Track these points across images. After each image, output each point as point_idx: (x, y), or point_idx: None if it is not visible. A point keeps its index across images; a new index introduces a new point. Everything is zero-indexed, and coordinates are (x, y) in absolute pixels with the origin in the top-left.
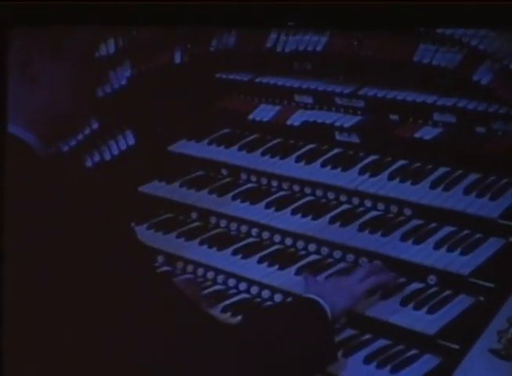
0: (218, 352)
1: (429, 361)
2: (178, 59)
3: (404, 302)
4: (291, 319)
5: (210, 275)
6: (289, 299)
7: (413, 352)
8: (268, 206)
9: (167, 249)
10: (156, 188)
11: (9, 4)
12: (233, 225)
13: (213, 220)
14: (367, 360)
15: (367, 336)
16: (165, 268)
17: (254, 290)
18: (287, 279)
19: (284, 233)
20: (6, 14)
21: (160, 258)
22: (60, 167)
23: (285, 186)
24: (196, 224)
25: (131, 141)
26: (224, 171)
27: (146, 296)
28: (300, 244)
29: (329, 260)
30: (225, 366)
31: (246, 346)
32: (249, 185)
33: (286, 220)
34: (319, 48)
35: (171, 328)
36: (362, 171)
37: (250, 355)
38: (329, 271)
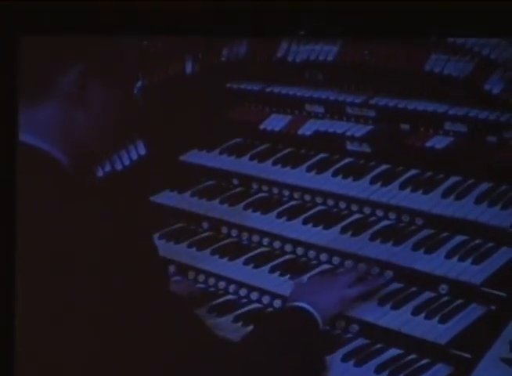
0: (215, 366)
1: (441, 370)
2: (189, 69)
3: (416, 312)
4: (285, 331)
5: (221, 285)
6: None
7: (425, 361)
8: (279, 216)
9: (178, 259)
10: (167, 198)
11: (20, 11)
12: (245, 235)
13: (224, 230)
14: (379, 370)
15: (379, 345)
16: (176, 278)
17: (266, 299)
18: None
19: (295, 243)
20: (18, 22)
21: (172, 268)
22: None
23: (296, 195)
24: (207, 234)
25: (143, 151)
26: (235, 181)
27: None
28: (311, 253)
29: (341, 270)
30: None
31: (245, 360)
32: (260, 194)
33: (298, 230)
34: (330, 58)
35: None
36: (373, 181)
37: (249, 367)
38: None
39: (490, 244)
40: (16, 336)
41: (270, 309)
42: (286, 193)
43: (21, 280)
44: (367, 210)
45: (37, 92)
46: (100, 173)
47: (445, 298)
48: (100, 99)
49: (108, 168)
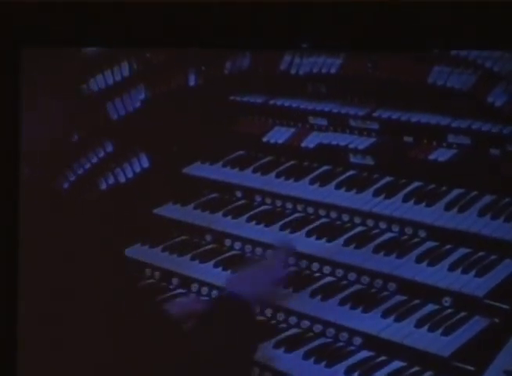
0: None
1: None
2: (192, 81)
3: (419, 324)
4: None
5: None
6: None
7: (428, 373)
8: (282, 228)
9: (181, 271)
10: (170, 210)
11: (22, 24)
12: (248, 248)
13: (228, 242)
14: None
15: (382, 358)
16: (180, 290)
17: (268, 312)
18: (302, 301)
19: (299, 255)
20: (19, 34)
21: (175, 281)
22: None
23: (299, 208)
24: (210, 246)
25: (146, 164)
26: (238, 194)
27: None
28: (314, 266)
29: (344, 282)
30: None
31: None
32: (263, 207)
33: (301, 242)
34: (333, 71)
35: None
36: (376, 193)
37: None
38: (344, 293)
39: (493, 257)
40: (18, 337)
41: (273, 322)
42: (290, 205)
43: (23, 281)
44: (370, 222)
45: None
46: (103, 186)
47: (449, 311)
48: (45, 108)
49: (111, 180)
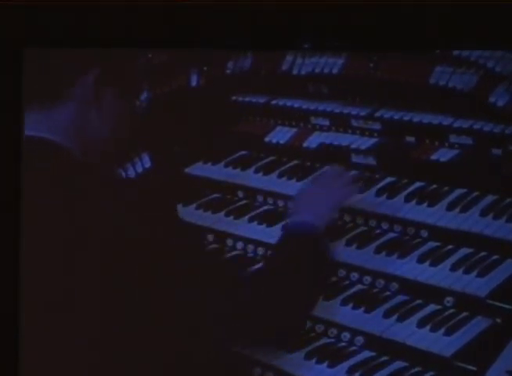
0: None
1: None
2: (194, 82)
3: (421, 324)
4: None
5: None
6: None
7: (430, 373)
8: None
9: None
10: None
11: (24, 23)
12: (250, 248)
13: (229, 242)
14: None
15: (384, 358)
16: None
17: None
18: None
19: None
20: (22, 33)
21: None
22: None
23: None
24: (212, 246)
25: (148, 164)
26: (240, 194)
27: None
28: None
29: (346, 282)
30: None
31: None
32: (265, 207)
33: None
34: (335, 71)
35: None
36: (378, 193)
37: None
38: (346, 293)
39: (495, 257)
40: (20, 334)
41: None
42: (292, 205)
43: (27, 268)
44: (372, 222)
45: (52, 96)
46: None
47: (451, 311)
48: (110, 105)
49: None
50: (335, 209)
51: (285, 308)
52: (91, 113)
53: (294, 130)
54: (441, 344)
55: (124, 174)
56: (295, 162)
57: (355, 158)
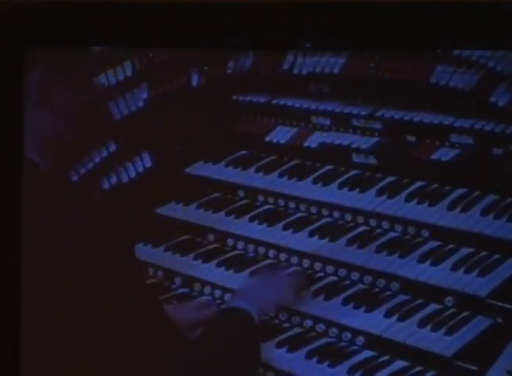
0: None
1: None
2: (195, 81)
3: (422, 324)
4: (226, 330)
5: (227, 297)
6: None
7: (431, 373)
8: (285, 228)
9: (184, 271)
10: (173, 210)
11: (24, 24)
12: (250, 247)
13: (230, 242)
14: None
15: (385, 357)
16: (182, 290)
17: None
18: (304, 301)
19: (302, 255)
20: (21, 34)
21: (178, 281)
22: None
23: (302, 207)
24: (213, 246)
25: (148, 163)
26: (241, 193)
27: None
28: (317, 265)
29: (347, 282)
30: None
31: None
32: (266, 207)
33: (304, 242)
34: (335, 70)
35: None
36: (379, 193)
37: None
38: (347, 293)
39: (496, 256)
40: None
41: (276, 321)
42: (292, 205)
43: (25, 282)
44: (373, 222)
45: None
46: (106, 185)
47: (451, 310)
48: (62, 99)
49: (114, 180)
50: (274, 306)
51: None
52: (43, 115)
53: (295, 129)
54: (442, 343)
55: (121, 176)
56: (296, 162)
57: (355, 158)
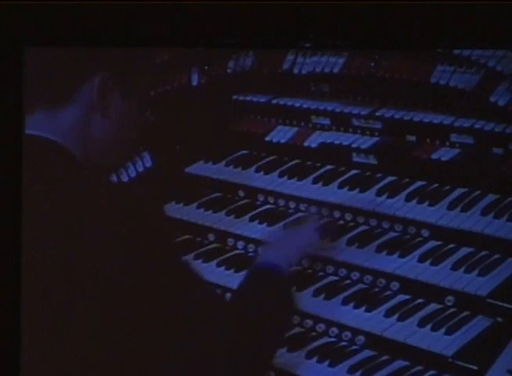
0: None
1: None
2: (195, 81)
3: (422, 323)
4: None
5: (228, 296)
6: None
7: (431, 373)
8: (285, 227)
9: None
10: (173, 210)
11: (24, 24)
12: (251, 247)
13: (230, 242)
14: None
15: (385, 357)
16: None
17: None
18: (304, 301)
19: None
20: (21, 34)
21: None
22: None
23: (302, 207)
24: (213, 246)
25: (148, 163)
26: (241, 193)
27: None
28: (317, 265)
29: (347, 281)
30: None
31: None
32: (266, 206)
33: None
34: (336, 70)
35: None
36: (379, 193)
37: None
38: (347, 292)
39: (496, 256)
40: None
41: None
42: (292, 205)
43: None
44: (373, 222)
45: (59, 98)
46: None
47: (451, 310)
48: (117, 108)
49: (114, 179)
50: (303, 255)
51: (242, 356)
52: (97, 116)
53: (295, 129)
54: (442, 343)
55: (121, 176)
56: (296, 161)
57: (355, 157)
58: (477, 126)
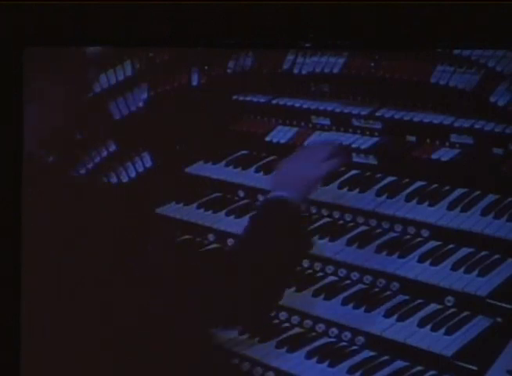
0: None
1: None
2: (195, 81)
3: (422, 323)
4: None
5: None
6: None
7: (431, 373)
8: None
9: None
10: (173, 210)
11: (24, 24)
12: None
13: (230, 242)
14: None
15: (385, 357)
16: None
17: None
18: (305, 300)
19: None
20: (21, 34)
21: None
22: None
23: (302, 207)
24: (213, 246)
25: (148, 163)
26: (241, 193)
27: None
28: (317, 265)
29: (347, 282)
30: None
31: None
32: None
33: None
34: (336, 70)
35: None
36: (379, 193)
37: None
38: (347, 293)
39: (496, 256)
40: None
41: (275, 321)
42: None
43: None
44: (373, 222)
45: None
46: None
47: (451, 310)
48: (53, 96)
49: (114, 179)
50: (316, 184)
51: (253, 293)
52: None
53: (295, 129)
54: (442, 343)
55: (121, 176)
56: None
57: (355, 158)
58: (477, 126)
